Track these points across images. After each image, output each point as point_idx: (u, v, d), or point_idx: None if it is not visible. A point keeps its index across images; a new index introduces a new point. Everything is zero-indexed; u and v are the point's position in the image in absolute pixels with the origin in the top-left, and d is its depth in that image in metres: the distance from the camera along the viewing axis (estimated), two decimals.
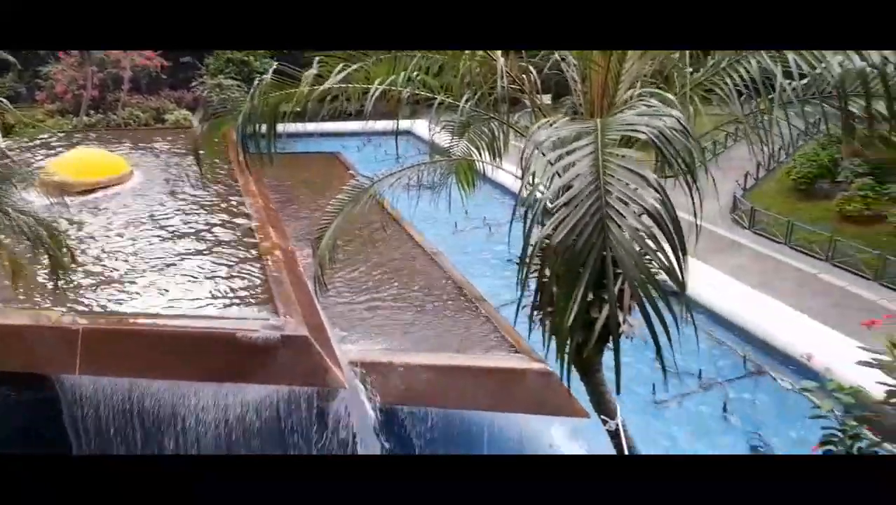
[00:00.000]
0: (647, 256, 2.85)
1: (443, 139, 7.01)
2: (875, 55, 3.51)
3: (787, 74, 4.00)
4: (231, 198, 14.96)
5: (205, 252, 11.66)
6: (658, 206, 2.73)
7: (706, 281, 14.71)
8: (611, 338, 3.96)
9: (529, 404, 8.93)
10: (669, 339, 2.86)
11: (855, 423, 3.65)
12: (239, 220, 13.37)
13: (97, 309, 9.56)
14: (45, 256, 6.90)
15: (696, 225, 3.12)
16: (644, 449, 5.06)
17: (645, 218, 2.81)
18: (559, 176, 2.99)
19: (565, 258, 2.72)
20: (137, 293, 10.07)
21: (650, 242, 2.75)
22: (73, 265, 8.11)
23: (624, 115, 3.45)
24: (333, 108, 4.99)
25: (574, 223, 2.72)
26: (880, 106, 3.62)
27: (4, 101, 13.02)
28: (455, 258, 13.55)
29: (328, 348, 8.73)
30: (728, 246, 17.19)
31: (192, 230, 12.87)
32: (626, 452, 4.31)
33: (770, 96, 4.00)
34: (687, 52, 4.34)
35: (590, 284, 2.74)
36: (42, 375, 8.97)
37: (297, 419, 8.86)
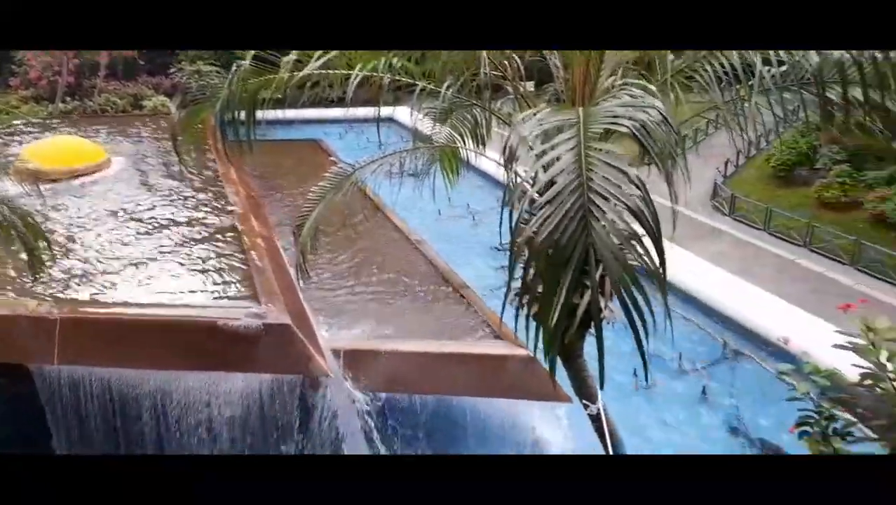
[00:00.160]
0: (628, 253, 2.87)
1: (426, 127, 6.99)
2: None
3: (766, 62, 4.03)
4: (212, 186, 14.80)
5: (185, 241, 11.54)
6: (639, 202, 2.76)
7: (687, 268, 14.87)
8: (593, 324, 4.01)
9: (513, 390, 9.00)
10: (647, 333, 2.90)
11: (830, 404, 3.72)
12: (220, 209, 13.23)
13: (75, 298, 9.43)
14: (21, 247, 6.77)
15: (673, 212, 3.14)
16: (624, 431, 5.12)
17: (627, 214, 2.84)
18: (543, 170, 3.00)
19: (549, 254, 2.73)
20: (115, 282, 9.95)
21: (631, 240, 2.77)
22: (49, 257, 7.97)
23: (607, 105, 3.46)
24: (314, 95, 4.94)
25: (558, 221, 2.74)
26: (857, 93, 3.67)
27: None
28: (439, 246, 13.56)
29: (311, 336, 8.71)
30: (708, 233, 17.37)
31: (172, 219, 12.72)
32: (607, 436, 4.36)
33: (750, 83, 4.03)
34: None
35: (574, 275, 2.75)
36: (18, 365, 8.85)
37: (280, 407, 8.85)
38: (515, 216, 2.94)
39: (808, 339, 11.07)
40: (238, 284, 9.88)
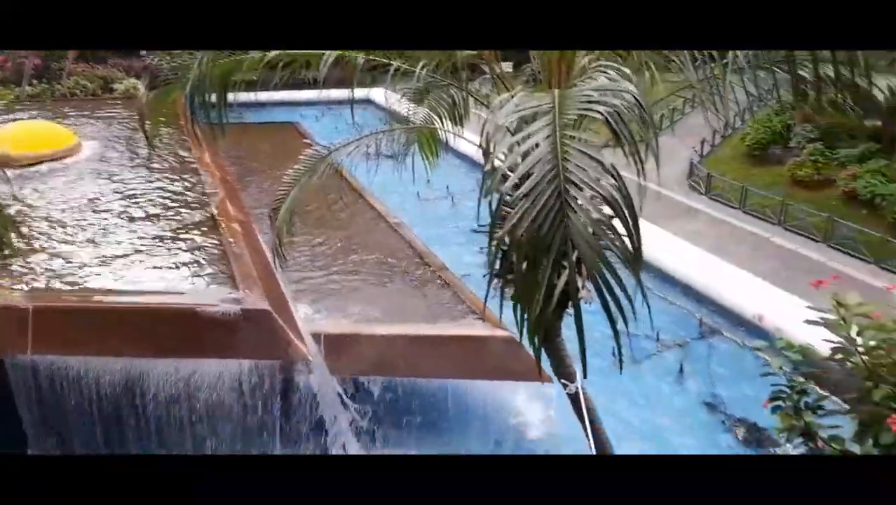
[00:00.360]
0: (604, 242, 2.89)
1: (405, 108, 6.92)
2: None
3: None
4: (186, 170, 14.55)
5: (159, 226, 11.36)
6: (614, 192, 2.77)
7: (664, 247, 15.03)
8: (570, 304, 4.04)
9: (494, 371, 9.06)
10: (626, 322, 2.93)
11: (802, 379, 3.79)
12: (194, 194, 13.03)
13: (48, 287, 9.25)
14: None
15: (640, 194, 3.16)
16: (602, 409, 5.19)
17: (602, 203, 2.85)
18: (521, 159, 2.99)
19: (529, 244, 2.75)
20: (88, 269, 9.77)
21: (607, 229, 2.79)
22: (19, 246, 7.79)
23: (582, 88, 3.44)
24: (286, 76, 4.85)
25: (536, 212, 2.74)
26: (829, 71, 3.70)
27: None
28: (418, 228, 13.53)
29: (290, 321, 8.67)
30: (685, 212, 17.55)
31: (146, 204, 12.50)
32: (585, 415, 4.42)
33: (724, 61, 4.04)
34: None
35: (552, 259, 2.76)
36: None
37: (260, 392, 8.82)
38: (494, 204, 2.94)
39: (781, 315, 11.28)
40: (215, 270, 9.77)
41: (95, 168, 14.85)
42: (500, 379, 9.11)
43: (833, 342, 3.43)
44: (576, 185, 2.72)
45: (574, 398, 4.48)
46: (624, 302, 3.05)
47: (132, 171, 14.69)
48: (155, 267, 9.89)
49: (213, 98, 4.84)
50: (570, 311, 4.10)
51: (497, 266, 3.11)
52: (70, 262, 9.96)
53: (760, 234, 15.97)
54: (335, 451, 9.06)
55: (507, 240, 3.17)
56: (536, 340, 3.07)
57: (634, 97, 3.12)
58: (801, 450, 3.74)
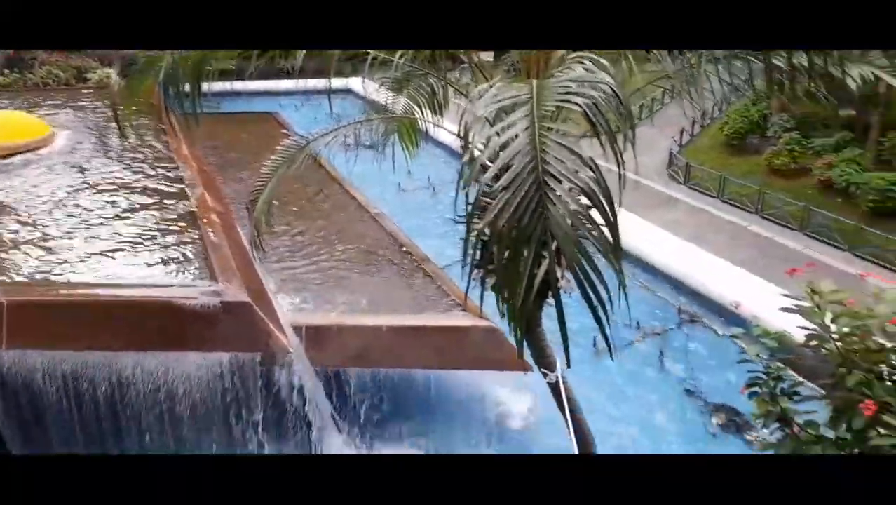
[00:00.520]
0: (583, 234, 2.90)
1: (386, 97, 6.85)
2: None
3: None
4: (163, 160, 14.33)
5: (136, 218, 11.19)
6: (593, 184, 2.78)
7: (644, 236, 15.15)
8: (550, 294, 4.05)
9: (476, 361, 9.08)
10: (607, 315, 2.95)
11: (778, 365, 3.85)
12: (171, 184, 12.84)
13: (23, 280, 9.08)
14: None
15: (620, 186, 3.17)
16: (582, 397, 5.23)
17: (581, 195, 2.86)
18: (500, 150, 2.98)
19: (509, 236, 2.75)
20: (64, 262, 9.61)
21: (586, 221, 2.79)
22: None
23: (560, 79, 3.44)
24: (261, 64, 4.77)
25: (516, 205, 2.75)
26: (803, 60, 3.73)
27: None
28: (399, 218, 13.48)
29: (271, 313, 8.60)
30: (664, 201, 17.69)
31: (122, 195, 12.30)
32: (565, 403, 4.45)
33: (699, 52, 4.05)
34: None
35: (532, 250, 2.77)
36: None
37: (241, 384, 8.76)
38: (472, 195, 2.94)
39: (758, 303, 11.44)
40: (193, 262, 9.66)
41: (69, 159, 14.57)
42: (483, 369, 9.15)
43: (808, 329, 3.48)
44: (554, 176, 2.72)
45: (554, 388, 4.51)
46: (607, 292, 3.06)
47: (107, 162, 14.45)
48: (132, 259, 9.76)
49: (187, 87, 4.75)
50: (551, 301, 4.13)
51: (477, 257, 3.10)
52: (43, 253, 9.79)
53: (738, 223, 16.16)
54: (318, 444, 9.06)
55: (487, 231, 3.16)
56: (518, 330, 3.07)
57: (611, 88, 3.13)
58: (776, 435, 3.80)
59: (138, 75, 5.65)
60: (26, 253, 9.84)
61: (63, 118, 18.53)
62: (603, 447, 5.79)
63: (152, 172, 13.70)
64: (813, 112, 17.57)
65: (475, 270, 3.86)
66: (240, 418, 8.94)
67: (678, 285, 13.52)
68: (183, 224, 10.94)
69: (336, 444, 9.13)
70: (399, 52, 4.54)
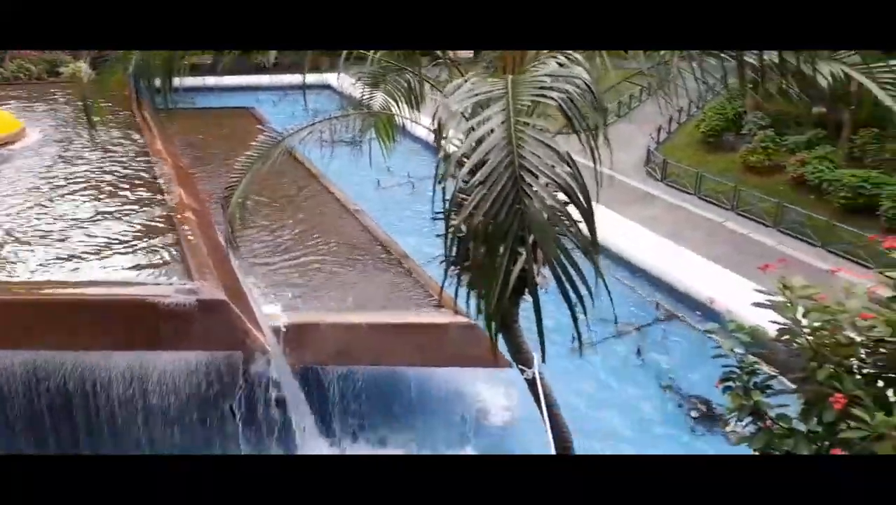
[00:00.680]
0: (559, 229, 2.90)
1: (361, 92, 6.79)
2: None
3: None
4: (137, 156, 14.10)
5: (109, 215, 11.00)
6: (569, 179, 2.77)
7: (621, 232, 15.27)
8: (527, 290, 4.05)
9: (454, 357, 9.08)
10: (584, 310, 2.95)
11: (751, 360, 3.89)
12: (146, 181, 12.64)
13: None
14: None
15: (597, 183, 3.18)
16: (560, 393, 5.25)
17: (557, 190, 2.85)
18: (475, 145, 2.97)
19: (486, 231, 2.74)
20: (36, 260, 9.42)
21: (563, 216, 2.79)
22: None
23: (535, 74, 3.43)
24: (232, 60, 4.70)
25: (492, 200, 2.73)
26: (775, 57, 3.76)
27: None
28: (378, 215, 13.42)
29: (248, 311, 8.52)
30: (641, 198, 17.83)
31: (95, 192, 12.08)
32: (542, 399, 4.46)
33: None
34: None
35: (509, 247, 2.76)
36: None
37: (220, 383, 8.66)
38: (449, 191, 2.92)
39: (734, 298, 11.59)
40: (168, 260, 9.53)
41: (40, 155, 14.26)
42: (460, 365, 9.14)
43: (779, 323, 3.52)
44: (531, 171, 2.71)
45: (531, 383, 4.52)
46: (586, 287, 3.05)
47: (78, 158, 14.16)
48: (105, 257, 9.59)
49: (158, 82, 4.65)
50: (528, 297, 4.13)
51: (454, 253, 3.09)
52: (15, 250, 9.58)
53: (714, 220, 16.35)
54: (296, 443, 8.99)
55: (463, 227, 3.15)
56: (492, 327, 3.06)
57: (586, 83, 3.14)
58: (750, 428, 3.85)
59: (109, 69, 5.53)
60: None
61: (34, 113, 18.13)
62: (580, 442, 5.83)
63: (125, 169, 13.48)
64: (787, 110, 17.83)
65: (452, 267, 3.83)
66: (216, 417, 8.85)
67: (656, 282, 13.64)
68: (158, 222, 10.78)
69: (315, 443, 9.07)
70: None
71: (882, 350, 3.29)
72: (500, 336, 4.80)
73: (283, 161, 5.93)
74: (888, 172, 15.27)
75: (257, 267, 10.72)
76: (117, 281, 9.00)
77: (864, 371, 3.37)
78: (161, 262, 9.58)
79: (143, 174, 13.09)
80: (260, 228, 12.10)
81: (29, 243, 9.95)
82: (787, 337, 3.53)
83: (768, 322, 3.68)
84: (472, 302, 3.88)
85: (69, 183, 12.56)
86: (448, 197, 3.29)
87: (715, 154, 19.69)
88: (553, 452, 4.56)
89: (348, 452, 9.07)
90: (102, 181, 12.69)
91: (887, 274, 3.33)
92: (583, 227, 3.12)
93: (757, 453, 3.02)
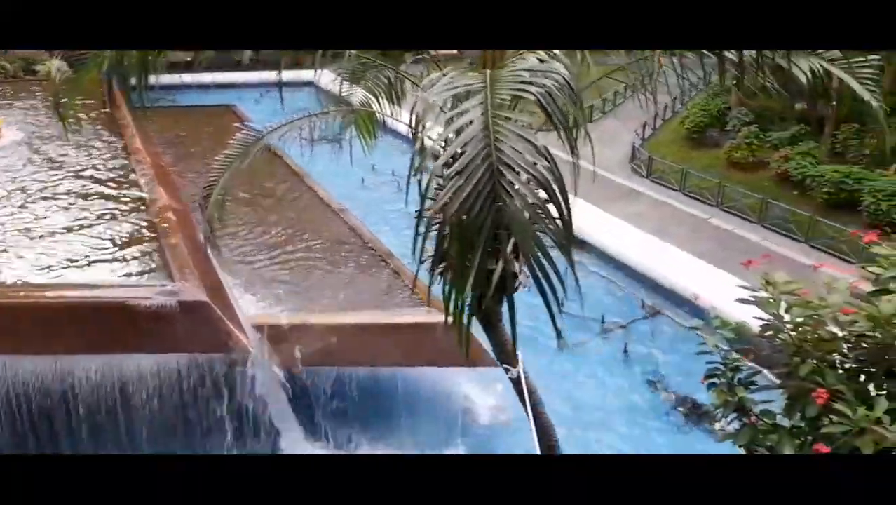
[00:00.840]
0: (537, 224, 2.86)
1: (343, 89, 6.72)
2: None
3: None
4: (117, 156, 13.90)
5: (87, 216, 10.84)
6: (547, 174, 2.73)
7: (606, 229, 15.30)
8: (512, 289, 4.02)
9: (441, 357, 9.03)
10: (560, 304, 2.91)
11: (736, 355, 3.88)
12: (126, 181, 12.47)
13: None
14: None
15: (575, 176, 3.14)
16: (547, 391, 5.23)
17: (534, 184, 2.81)
18: (453, 137, 2.93)
19: (461, 224, 2.69)
20: (14, 263, 9.25)
21: (540, 211, 2.75)
22: None
23: (514, 68, 3.40)
24: (210, 56, 4.61)
25: (468, 191, 2.69)
26: (753, 52, 3.75)
27: None
28: (363, 214, 13.34)
29: (230, 312, 8.42)
30: (627, 194, 17.88)
31: (73, 193, 11.90)
32: (527, 398, 4.44)
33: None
34: None
35: (486, 243, 2.71)
36: None
37: (201, 385, 8.56)
38: (424, 183, 2.88)
39: (719, 294, 11.63)
40: (148, 261, 9.40)
41: (18, 154, 14.02)
42: (447, 365, 9.10)
43: (762, 319, 3.51)
44: (508, 165, 2.68)
45: (516, 382, 4.49)
46: (572, 284, 3.02)
47: (57, 157, 13.93)
48: (78, 255, 9.45)
49: (134, 80, 4.56)
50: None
51: (426, 249, 3.05)
52: None
53: (699, 216, 16.43)
54: (280, 444, 8.92)
55: (439, 219, 3.10)
56: (469, 323, 3.03)
57: (564, 78, 3.10)
58: (734, 425, 3.84)
59: (85, 67, 5.41)
60: None
61: (10, 111, 17.84)
62: (566, 442, 5.81)
63: (103, 169, 13.29)
64: (771, 106, 17.94)
65: (430, 264, 3.78)
66: (200, 419, 8.75)
67: (641, 278, 13.67)
68: (137, 221, 10.63)
69: (299, 445, 9.00)
70: None
71: (864, 345, 3.29)
72: (485, 335, 4.77)
73: (267, 160, 5.87)
74: (869, 168, 15.41)
75: (241, 267, 10.62)
76: (96, 284, 8.86)
77: (847, 366, 3.36)
78: (141, 263, 9.45)
79: (121, 174, 12.91)
80: (244, 228, 11.99)
81: (4, 244, 9.77)
82: (770, 333, 3.52)
83: (753, 318, 3.67)
84: (445, 298, 3.84)
85: (45, 182, 12.35)
86: (427, 193, 3.23)
87: (699, 150, 19.79)
88: (538, 450, 4.53)
89: (334, 454, 8.99)
90: (81, 180, 12.50)
91: (868, 269, 3.32)
92: (559, 221, 3.08)
93: (757, 453, 3.00)
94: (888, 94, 15.39)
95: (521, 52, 3.72)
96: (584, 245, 14.81)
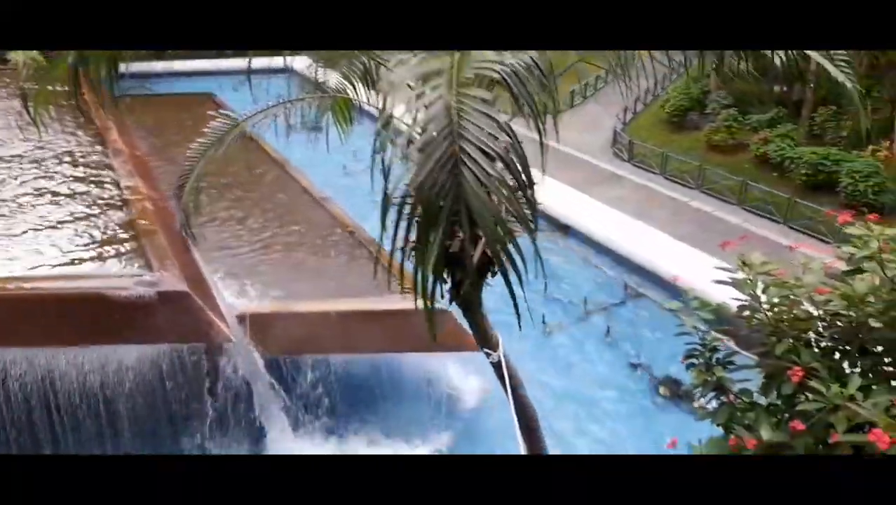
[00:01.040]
0: (500, 204, 2.84)
1: (319, 75, 6.63)
2: None
3: None
4: (93, 146, 13.66)
5: (64, 207, 10.66)
6: (509, 149, 2.71)
7: (588, 213, 15.37)
8: (488, 274, 4.02)
9: (425, 343, 9.03)
10: (522, 284, 2.91)
11: (714, 336, 3.91)
12: (102, 171, 12.27)
13: None
14: None
15: (542, 159, 3.13)
16: (527, 374, 5.26)
17: (498, 163, 2.79)
18: (416, 114, 2.91)
19: (423, 202, 2.67)
20: None
21: (503, 188, 2.73)
22: None
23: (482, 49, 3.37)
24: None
25: (429, 169, 2.67)
26: None
27: None
28: (346, 201, 13.25)
29: (211, 302, 8.35)
30: (608, 178, 17.95)
31: (49, 184, 11.69)
32: (507, 383, 4.46)
33: None
34: None
35: (447, 224, 2.69)
36: None
37: (182, 376, 8.50)
38: (388, 161, 2.85)
39: (699, 276, 11.74)
40: (127, 251, 9.28)
41: None
42: (431, 351, 9.11)
43: (739, 300, 3.54)
44: (471, 142, 2.65)
45: (497, 367, 4.51)
46: (523, 263, 3.00)
47: (31, 149, 13.66)
48: (56, 246, 9.30)
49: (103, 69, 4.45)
50: (490, 281, 4.11)
51: (389, 230, 3.03)
52: None
53: (680, 199, 16.54)
54: (265, 436, 8.90)
55: (397, 200, 3.07)
56: (432, 306, 3.02)
57: (532, 59, 3.09)
58: (713, 404, 3.88)
59: (59, 57, 5.29)
60: None
61: None
62: (547, 421, 5.86)
63: (82, 157, 13.06)
64: (750, 89, 18.05)
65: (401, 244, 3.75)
66: (182, 411, 8.70)
67: (623, 261, 13.77)
68: (114, 211, 10.48)
69: (284, 435, 8.98)
70: None
71: (838, 323, 3.33)
72: (465, 320, 4.78)
73: (245, 148, 5.79)
74: (847, 149, 15.60)
75: (222, 256, 10.52)
76: (74, 274, 8.74)
77: (822, 344, 3.41)
78: (119, 253, 9.33)
79: (97, 164, 12.69)
80: (224, 217, 11.87)
81: None
82: (747, 313, 3.55)
83: (731, 299, 3.70)
84: (442, 286, 3.82)
85: (22, 173, 12.12)
86: (384, 169, 3.20)
87: (679, 133, 19.90)
88: (518, 432, 4.57)
89: (318, 443, 9.00)
90: (56, 171, 12.28)
91: (843, 249, 3.36)
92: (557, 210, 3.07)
93: (757, 453, 3.03)
94: (864, 76, 15.58)
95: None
96: (566, 229, 14.88)
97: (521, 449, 4.57)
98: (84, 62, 4.35)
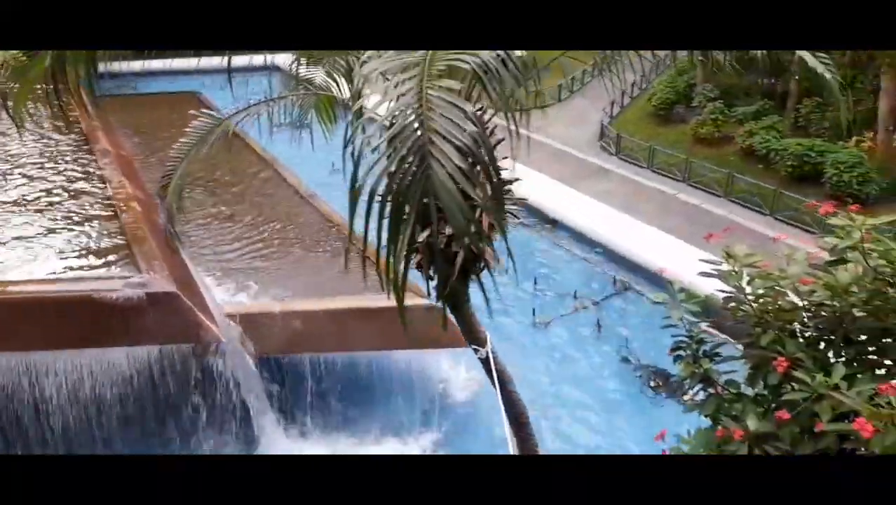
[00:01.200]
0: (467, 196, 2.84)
1: (304, 73, 6.60)
2: None
3: None
4: (78, 146, 13.53)
5: (50, 210, 10.56)
6: (476, 139, 2.71)
7: (576, 207, 15.41)
8: (476, 271, 4.03)
9: (417, 340, 9.04)
10: (492, 274, 2.90)
11: (700, 328, 3.94)
12: (88, 172, 12.16)
13: None
14: None
15: (511, 149, 3.13)
16: (516, 369, 5.28)
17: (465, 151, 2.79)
18: (389, 104, 2.90)
19: (393, 195, 2.67)
20: None
21: (467, 177, 2.73)
22: None
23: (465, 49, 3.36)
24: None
25: (398, 160, 2.66)
26: None
27: None
28: (334, 199, 13.21)
29: (200, 302, 8.31)
30: (596, 172, 18.00)
31: (34, 186, 11.57)
32: (495, 378, 4.47)
33: None
34: None
35: (432, 215, 2.68)
36: None
37: (173, 377, 8.46)
38: (356, 153, 2.84)
39: (686, 268, 11.80)
40: (115, 253, 9.21)
41: None
42: (423, 348, 9.12)
43: (725, 291, 3.57)
44: (439, 133, 2.65)
45: (485, 362, 4.52)
46: (540, 262, 3.01)
47: (15, 149, 13.50)
48: (42, 248, 9.22)
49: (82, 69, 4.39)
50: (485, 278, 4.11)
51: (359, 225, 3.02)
52: None
53: (667, 192, 16.61)
54: (257, 434, 8.88)
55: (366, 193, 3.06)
56: (401, 300, 3.02)
57: (507, 53, 3.09)
58: (700, 395, 3.91)
59: (39, 56, 5.22)
60: None
61: None
62: (535, 416, 5.88)
63: (67, 158, 12.93)
64: (736, 82, 18.13)
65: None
66: (173, 412, 8.66)
67: (611, 255, 13.82)
68: (100, 213, 10.40)
69: (275, 434, 8.97)
70: None
71: (822, 313, 3.36)
72: (450, 315, 4.78)
73: (232, 147, 5.74)
74: (832, 140, 15.72)
75: (211, 256, 10.47)
76: (62, 277, 8.67)
77: (806, 334, 3.44)
78: (108, 255, 9.26)
79: (85, 164, 12.58)
80: (212, 218, 11.81)
81: None
82: (732, 305, 3.58)
83: (717, 291, 3.73)
84: (432, 283, 3.82)
85: (6, 175, 11.99)
86: (354, 159, 3.19)
87: (666, 127, 19.96)
88: (507, 427, 4.59)
89: (311, 443, 9.00)
90: (41, 172, 12.16)
91: (826, 239, 3.39)
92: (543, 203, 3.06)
93: (757, 453, 3.05)
94: (847, 66, 15.69)
95: None
96: (554, 223, 14.91)
97: (511, 441, 4.59)
98: (61, 62, 4.29)
